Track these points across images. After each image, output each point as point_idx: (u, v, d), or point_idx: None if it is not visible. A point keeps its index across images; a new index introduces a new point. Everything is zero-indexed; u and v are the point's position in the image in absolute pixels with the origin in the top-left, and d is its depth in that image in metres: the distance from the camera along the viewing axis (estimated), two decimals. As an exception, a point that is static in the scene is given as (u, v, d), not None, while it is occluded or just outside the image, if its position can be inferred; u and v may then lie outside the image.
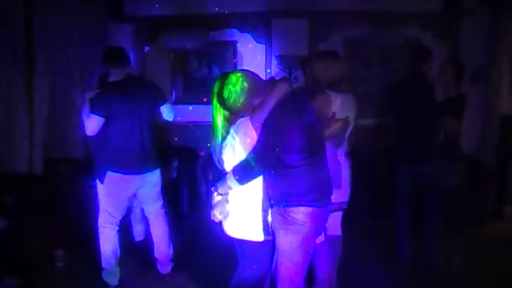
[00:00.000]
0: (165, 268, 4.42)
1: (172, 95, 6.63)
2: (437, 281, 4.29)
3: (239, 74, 2.83)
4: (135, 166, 4.01)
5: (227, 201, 2.97)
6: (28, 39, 4.55)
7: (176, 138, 6.16)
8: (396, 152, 4.52)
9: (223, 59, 6.61)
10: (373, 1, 6.20)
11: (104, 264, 4.17)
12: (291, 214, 2.74)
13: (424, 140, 4.31)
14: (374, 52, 6.38)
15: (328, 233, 3.77)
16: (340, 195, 3.55)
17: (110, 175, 3.98)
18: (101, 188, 4.10)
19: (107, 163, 4.00)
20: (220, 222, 3.05)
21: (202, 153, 6.09)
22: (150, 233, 4.49)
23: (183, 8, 6.43)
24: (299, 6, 6.31)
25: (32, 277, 4.20)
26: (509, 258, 4.66)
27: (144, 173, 4.07)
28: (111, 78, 4.08)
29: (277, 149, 2.66)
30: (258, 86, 2.80)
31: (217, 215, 3.01)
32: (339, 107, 3.44)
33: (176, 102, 6.57)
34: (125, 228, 4.68)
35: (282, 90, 2.74)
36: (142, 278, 4.44)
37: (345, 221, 3.82)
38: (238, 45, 6.62)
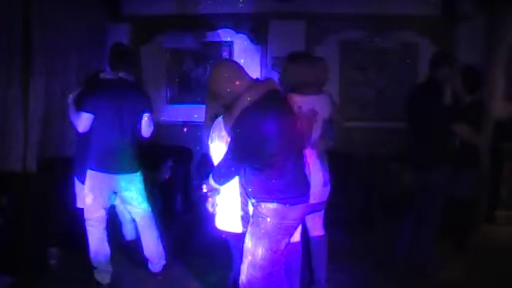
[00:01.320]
0: (157, 267, 4.43)
1: (167, 94, 6.64)
2: (431, 285, 4.31)
3: (222, 61, 2.97)
4: (112, 166, 4.04)
5: (218, 192, 3.06)
6: (25, 39, 4.54)
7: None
8: (405, 156, 4.53)
9: (219, 59, 6.60)
10: (370, 4, 6.22)
11: (94, 263, 4.18)
12: (258, 208, 2.83)
13: (432, 146, 4.29)
14: (370, 55, 6.39)
15: (311, 234, 3.86)
16: (315, 196, 3.55)
17: (89, 173, 4.06)
18: (79, 186, 4.28)
19: (87, 161, 4.08)
20: (213, 218, 3.13)
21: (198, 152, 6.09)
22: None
23: (180, 8, 6.46)
24: (296, 8, 6.32)
25: (26, 275, 4.21)
26: (503, 262, 4.67)
27: (121, 173, 4.08)
28: (102, 76, 4.19)
29: (250, 149, 2.73)
30: (234, 74, 2.87)
31: (209, 207, 3.09)
32: (306, 108, 3.58)
33: (172, 102, 6.60)
34: (115, 227, 4.75)
35: (258, 90, 2.77)
36: (134, 277, 4.44)
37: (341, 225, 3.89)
38: (234, 45, 6.63)
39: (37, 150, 4.70)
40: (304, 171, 2.96)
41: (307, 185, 2.93)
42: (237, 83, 2.82)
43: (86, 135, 4.03)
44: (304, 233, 3.89)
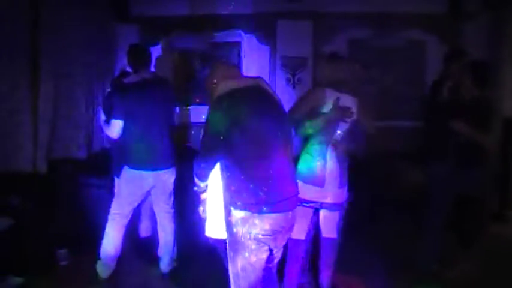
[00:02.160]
0: (168, 267, 4.43)
1: (176, 95, 6.66)
2: (440, 284, 4.30)
3: (215, 62, 3.01)
4: (152, 163, 4.08)
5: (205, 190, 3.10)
6: (33, 41, 4.58)
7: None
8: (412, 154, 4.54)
9: (227, 60, 6.62)
10: (377, 3, 6.22)
11: (101, 254, 4.23)
12: (229, 217, 2.73)
13: (436, 142, 4.32)
14: (377, 54, 6.38)
15: (322, 234, 3.87)
16: (329, 196, 3.68)
17: (127, 170, 4.11)
18: (118, 183, 4.33)
19: (124, 159, 4.13)
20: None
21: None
22: (156, 231, 4.55)
23: (188, 9, 6.47)
24: (303, 7, 6.33)
25: (35, 276, 4.22)
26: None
27: (158, 170, 4.11)
28: (129, 80, 4.22)
29: (214, 137, 2.71)
30: (222, 71, 2.94)
31: (201, 212, 3.15)
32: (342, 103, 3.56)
33: (180, 103, 6.62)
34: (132, 223, 4.70)
35: (235, 83, 2.81)
36: (143, 275, 4.45)
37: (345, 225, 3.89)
38: (242, 46, 6.64)
39: (46, 151, 4.74)
40: (286, 178, 2.76)
41: (285, 193, 2.72)
42: (222, 77, 2.88)
43: (121, 136, 4.09)
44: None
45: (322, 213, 3.83)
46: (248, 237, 2.65)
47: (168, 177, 4.21)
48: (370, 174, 5.43)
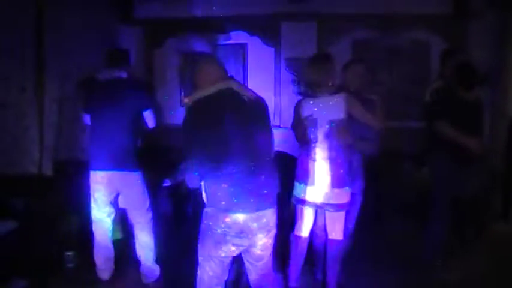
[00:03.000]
0: (146, 278, 4.36)
1: (181, 97, 6.67)
2: (444, 282, 4.30)
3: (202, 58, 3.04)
4: (108, 162, 4.02)
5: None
6: (38, 44, 4.60)
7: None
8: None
9: (232, 62, 6.63)
10: (382, 4, 6.20)
11: (95, 260, 4.29)
12: (205, 209, 2.86)
13: (426, 141, 4.37)
14: (382, 55, 6.36)
15: (328, 235, 3.93)
16: (322, 197, 3.78)
17: (91, 174, 4.12)
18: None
19: (90, 161, 4.13)
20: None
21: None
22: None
23: (193, 11, 6.48)
24: (308, 9, 6.33)
25: (42, 278, 4.23)
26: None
27: (117, 170, 4.03)
28: (100, 76, 4.20)
29: (187, 146, 2.78)
30: (199, 76, 2.94)
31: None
32: (320, 110, 3.72)
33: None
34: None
35: (207, 90, 2.82)
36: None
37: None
38: (247, 48, 6.65)
39: (52, 153, 4.75)
40: (253, 180, 2.77)
41: (251, 194, 2.76)
42: (203, 81, 2.89)
43: (89, 136, 4.17)
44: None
45: (327, 214, 3.88)
46: (210, 231, 2.79)
47: (130, 180, 4.12)
48: (376, 174, 5.44)
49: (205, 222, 2.83)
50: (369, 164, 4.20)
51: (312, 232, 4.02)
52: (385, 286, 4.26)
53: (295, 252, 4.04)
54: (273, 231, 2.94)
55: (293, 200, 3.97)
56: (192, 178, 2.82)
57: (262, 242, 2.88)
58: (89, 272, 4.47)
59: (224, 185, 2.72)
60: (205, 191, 2.84)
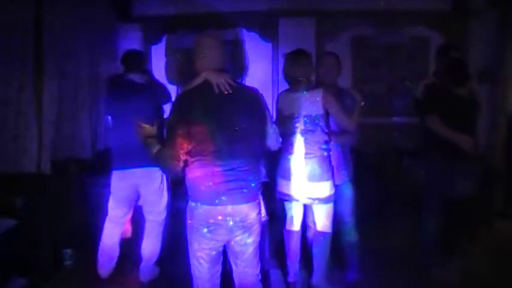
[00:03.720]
0: (143, 277, 4.39)
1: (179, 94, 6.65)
2: (443, 281, 4.30)
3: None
4: (130, 161, 4.11)
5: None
6: (37, 41, 4.58)
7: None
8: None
9: (230, 58, 6.60)
10: (381, 0, 6.18)
11: (98, 256, 4.33)
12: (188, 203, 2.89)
13: (421, 138, 4.38)
14: (381, 51, 6.35)
15: (317, 228, 3.99)
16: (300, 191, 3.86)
17: (113, 173, 4.21)
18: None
19: (113, 161, 4.23)
20: None
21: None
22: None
23: (191, 7, 6.45)
24: (306, 5, 6.31)
25: (41, 276, 4.26)
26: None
27: (139, 167, 4.11)
28: (119, 79, 4.35)
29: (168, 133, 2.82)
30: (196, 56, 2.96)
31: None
32: (297, 106, 3.81)
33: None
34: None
35: (196, 81, 2.86)
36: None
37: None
38: (245, 44, 6.63)
39: (51, 151, 4.74)
40: (234, 175, 2.78)
41: (228, 188, 2.77)
42: (198, 64, 2.93)
43: (109, 137, 4.33)
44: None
45: (313, 206, 3.95)
46: (194, 226, 2.82)
47: (150, 175, 4.18)
48: (375, 170, 5.44)
49: (187, 216, 2.87)
50: (366, 161, 4.21)
51: (305, 225, 4.11)
52: (381, 285, 4.26)
53: (289, 247, 4.11)
54: (254, 228, 2.90)
55: (278, 195, 4.05)
56: (166, 168, 2.91)
57: (240, 238, 2.86)
58: (87, 270, 4.49)
59: (200, 178, 2.75)
60: (186, 185, 2.87)
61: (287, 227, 4.10)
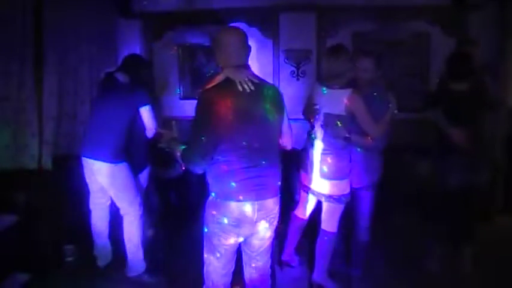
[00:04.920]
0: (130, 272, 4.40)
1: (180, 90, 6.66)
2: (447, 276, 4.31)
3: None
4: (89, 150, 4.20)
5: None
6: (37, 37, 4.59)
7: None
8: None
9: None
10: (381, -5, 6.18)
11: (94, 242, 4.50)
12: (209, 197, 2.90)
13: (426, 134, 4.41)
14: (382, 47, 6.34)
15: (321, 226, 4.00)
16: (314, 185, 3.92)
17: (82, 160, 4.29)
18: None
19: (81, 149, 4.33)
20: None
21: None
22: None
23: (191, 3, 6.44)
24: (306, 0, 6.30)
25: (42, 272, 4.26)
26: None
27: (96, 159, 4.16)
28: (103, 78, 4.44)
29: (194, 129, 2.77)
30: (217, 49, 2.93)
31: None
32: (323, 101, 3.81)
33: (184, 97, 6.61)
34: None
35: (219, 77, 2.84)
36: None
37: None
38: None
39: (52, 148, 4.75)
40: (258, 170, 2.78)
41: (254, 185, 2.78)
42: (219, 58, 2.92)
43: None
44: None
45: (323, 203, 3.98)
46: (212, 220, 2.82)
47: (108, 171, 4.18)
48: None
49: (208, 211, 2.85)
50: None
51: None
52: (383, 280, 4.27)
53: (291, 229, 4.28)
54: (275, 222, 2.94)
55: (300, 184, 4.12)
56: (193, 166, 2.81)
57: (261, 232, 2.88)
58: (88, 266, 4.52)
59: (226, 174, 2.74)
60: (208, 180, 2.86)
61: (295, 211, 4.23)
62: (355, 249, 4.30)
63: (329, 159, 3.77)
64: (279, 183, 2.92)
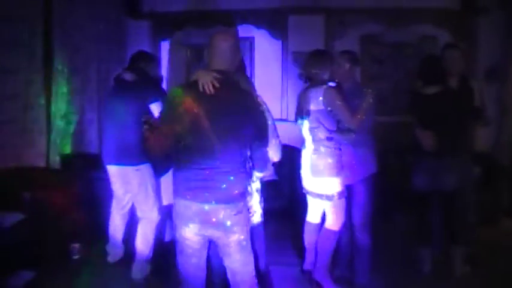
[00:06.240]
0: (135, 275, 4.35)
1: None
2: (452, 278, 4.30)
3: None
4: (112, 157, 4.20)
5: None
6: (46, 37, 4.62)
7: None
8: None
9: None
10: (389, -2, 6.18)
11: (109, 237, 4.58)
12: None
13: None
14: (390, 49, 6.34)
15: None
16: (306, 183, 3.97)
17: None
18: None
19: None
20: None
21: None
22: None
23: (200, 4, 6.48)
24: (315, 2, 6.32)
25: (48, 270, 4.26)
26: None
27: (120, 164, 4.18)
28: (114, 78, 4.42)
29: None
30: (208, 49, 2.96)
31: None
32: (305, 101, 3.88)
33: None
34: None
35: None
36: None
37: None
38: (254, 41, 6.64)
39: (59, 146, 4.79)
40: (215, 174, 2.75)
41: (208, 188, 2.75)
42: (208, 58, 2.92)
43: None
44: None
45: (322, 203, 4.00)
46: (176, 218, 2.86)
47: (135, 174, 4.18)
48: (383, 169, 5.41)
49: (173, 209, 2.91)
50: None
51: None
52: (380, 282, 4.27)
53: (306, 237, 4.22)
54: (235, 229, 2.83)
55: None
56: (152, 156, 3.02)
57: (219, 237, 2.84)
58: (95, 264, 4.54)
59: (181, 171, 2.80)
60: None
61: (306, 218, 4.19)
62: (356, 255, 4.25)
63: (319, 157, 3.82)
64: (238, 191, 2.83)
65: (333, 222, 3.93)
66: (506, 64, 5.78)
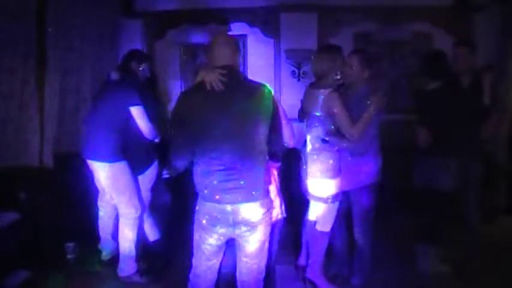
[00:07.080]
0: (121, 272, 4.36)
1: (182, 89, 6.64)
2: (451, 276, 4.31)
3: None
4: (86, 151, 4.22)
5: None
6: (40, 36, 4.60)
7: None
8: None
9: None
10: (383, -5, 6.18)
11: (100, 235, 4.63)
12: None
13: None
14: (384, 47, 6.35)
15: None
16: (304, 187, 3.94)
17: None
18: None
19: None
20: None
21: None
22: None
23: (193, 2, 6.45)
24: (308, 0, 6.30)
25: (43, 269, 4.26)
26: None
27: (91, 159, 4.19)
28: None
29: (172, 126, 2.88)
30: (208, 51, 2.99)
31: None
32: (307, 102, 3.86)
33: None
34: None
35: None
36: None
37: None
38: (247, 39, 6.62)
39: (53, 145, 4.76)
40: (237, 173, 2.74)
41: (231, 188, 2.74)
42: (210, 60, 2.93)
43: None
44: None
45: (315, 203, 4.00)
46: (199, 220, 2.86)
47: (104, 170, 4.17)
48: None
49: (196, 211, 2.89)
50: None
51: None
52: (379, 280, 4.26)
53: (304, 233, 4.22)
54: (259, 227, 2.84)
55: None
56: (176, 168, 2.91)
57: (242, 235, 2.84)
58: (89, 263, 4.54)
59: (204, 175, 2.76)
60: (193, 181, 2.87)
61: (306, 216, 4.14)
62: (354, 256, 4.24)
63: (315, 159, 3.78)
64: (261, 188, 2.82)
65: (323, 224, 3.93)
66: (502, 61, 5.78)
